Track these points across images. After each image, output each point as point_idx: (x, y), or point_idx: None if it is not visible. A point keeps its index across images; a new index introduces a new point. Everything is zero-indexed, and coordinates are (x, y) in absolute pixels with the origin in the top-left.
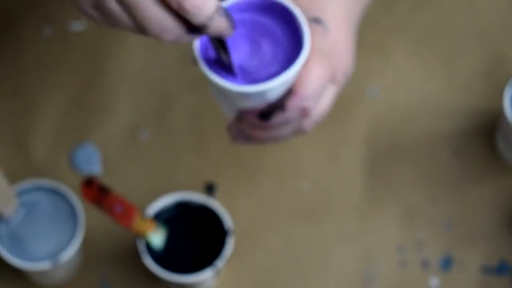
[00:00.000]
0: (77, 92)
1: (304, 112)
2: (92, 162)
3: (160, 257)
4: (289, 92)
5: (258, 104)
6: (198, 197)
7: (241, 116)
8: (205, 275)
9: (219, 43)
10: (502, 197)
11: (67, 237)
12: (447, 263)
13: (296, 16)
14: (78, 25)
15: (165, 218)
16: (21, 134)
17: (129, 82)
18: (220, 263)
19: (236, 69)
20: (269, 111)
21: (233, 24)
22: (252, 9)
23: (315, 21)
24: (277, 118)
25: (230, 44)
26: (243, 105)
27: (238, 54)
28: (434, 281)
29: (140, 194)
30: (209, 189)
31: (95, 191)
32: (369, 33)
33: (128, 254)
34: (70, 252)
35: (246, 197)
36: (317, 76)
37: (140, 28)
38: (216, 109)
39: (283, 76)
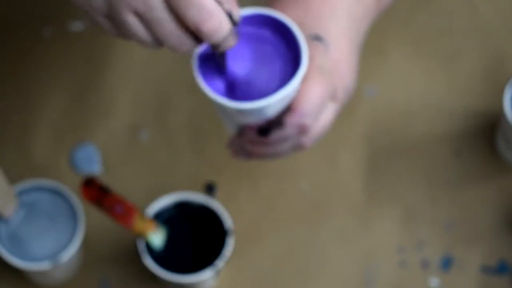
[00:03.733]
0: (77, 92)
1: (302, 129)
2: (92, 162)
3: (160, 257)
4: (288, 109)
5: (257, 120)
6: (198, 197)
7: (242, 131)
8: (205, 275)
9: (220, 53)
10: (502, 197)
11: (67, 237)
12: (447, 263)
13: (294, 32)
14: (78, 25)
15: (165, 218)
16: (21, 134)
17: (129, 82)
18: (220, 263)
19: (232, 81)
20: (268, 128)
21: (237, 36)
22: (252, 24)
23: (316, 38)
24: (275, 135)
25: (231, 57)
26: (242, 121)
27: (239, 69)
28: (434, 281)
29: (140, 194)
30: (209, 189)
31: (95, 191)
32: (370, 30)
33: (128, 254)
34: (70, 252)
35: (246, 197)
36: (316, 93)
37: (158, 41)
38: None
39: (281, 92)
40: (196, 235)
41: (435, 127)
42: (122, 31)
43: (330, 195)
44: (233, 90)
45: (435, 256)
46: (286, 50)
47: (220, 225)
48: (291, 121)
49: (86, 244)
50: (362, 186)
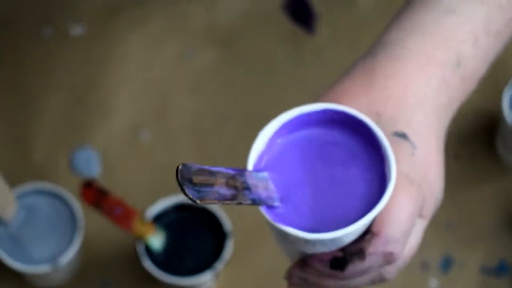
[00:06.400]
0: (77, 92)
1: (389, 258)
2: (91, 164)
3: (159, 259)
4: (370, 233)
5: (329, 249)
6: None
7: (306, 262)
8: (205, 278)
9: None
10: (502, 198)
11: (67, 240)
12: (447, 264)
13: (375, 133)
14: (78, 26)
15: (165, 220)
16: (21, 135)
17: (129, 82)
18: (219, 265)
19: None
20: (344, 258)
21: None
22: (315, 122)
23: (400, 135)
24: (354, 267)
25: (285, 171)
26: (309, 250)
27: (303, 186)
28: (434, 281)
29: (139, 195)
30: None
31: (95, 194)
32: (368, 33)
33: (127, 257)
34: (70, 255)
35: None
36: (405, 212)
37: None
38: (216, 109)
39: (364, 219)
40: (195, 238)
41: None
42: None
43: None
44: (289, 207)
45: (435, 256)
46: (360, 152)
47: (219, 228)
48: (375, 250)
49: (85, 247)
50: None
